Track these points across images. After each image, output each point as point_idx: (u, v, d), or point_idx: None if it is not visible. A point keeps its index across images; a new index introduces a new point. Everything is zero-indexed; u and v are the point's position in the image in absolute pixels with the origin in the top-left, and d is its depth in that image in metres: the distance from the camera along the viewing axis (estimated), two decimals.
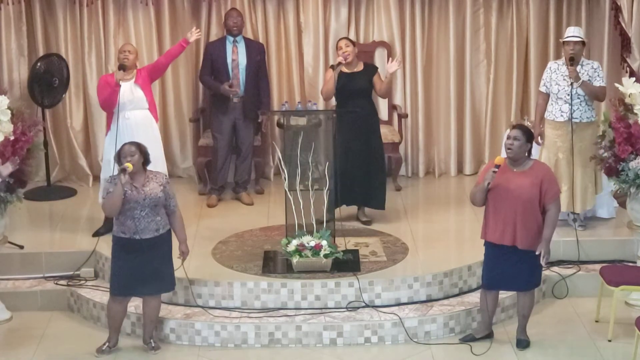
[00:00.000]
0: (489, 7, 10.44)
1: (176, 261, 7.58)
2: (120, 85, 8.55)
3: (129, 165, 7.20)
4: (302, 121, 8.48)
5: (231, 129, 9.77)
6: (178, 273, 7.77)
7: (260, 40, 10.36)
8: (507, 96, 10.58)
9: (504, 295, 7.83)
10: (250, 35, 10.34)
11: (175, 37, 10.39)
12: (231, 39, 9.76)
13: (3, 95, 8.05)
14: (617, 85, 8.41)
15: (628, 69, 9.98)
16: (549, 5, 10.37)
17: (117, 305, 7.50)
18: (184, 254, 7.58)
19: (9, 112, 8.00)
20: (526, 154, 7.36)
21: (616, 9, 10.08)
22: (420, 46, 10.48)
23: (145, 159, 7.37)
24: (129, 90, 8.65)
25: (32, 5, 10.22)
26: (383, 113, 10.57)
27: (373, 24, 10.52)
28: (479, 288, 7.84)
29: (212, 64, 9.72)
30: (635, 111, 8.21)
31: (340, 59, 8.88)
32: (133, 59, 8.75)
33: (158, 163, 7.99)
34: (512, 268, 7.35)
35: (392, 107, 10.53)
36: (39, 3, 10.22)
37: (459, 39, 10.46)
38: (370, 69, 9.07)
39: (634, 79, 8.43)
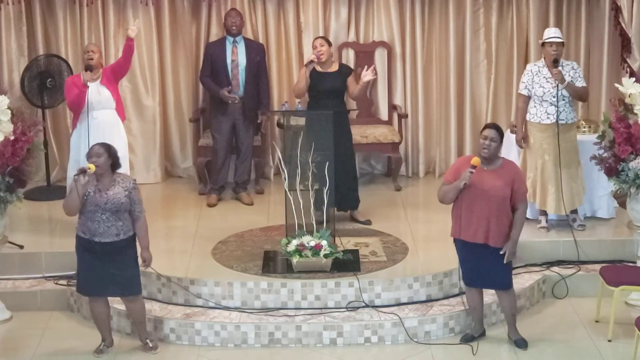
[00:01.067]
0: (489, 7, 10.44)
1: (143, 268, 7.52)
2: (88, 86, 8.61)
3: (90, 167, 7.11)
4: (302, 121, 8.48)
5: (231, 129, 9.76)
6: (178, 272, 7.78)
7: (260, 40, 10.36)
8: (507, 96, 10.58)
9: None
10: (250, 36, 10.33)
11: (175, 37, 10.41)
12: (231, 39, 9.75)
13: (3, 95, 8.05)
14: (617, 85, 8.40)
15: (628, 69, 9.98)
16: (549, 5, 10.37)
17: (94, 305, 7.47)
18: (146, 261, 7.44)
19: (9, 112, 8.00)
20: (498, 153, 7.44)
21: (616, 9, 10.08)
22: (420, 46, 10.48)
23: (115, 162, 7.27)
24: (96, 91, 8.70)
25: (32, 5, 10.23)
26: (383, 113, 10.58)
27: (373, 24, 10.52)
28: None
29: (212, 65, 9.72)
30: (635, 111, 8.20)
31: (313, 57, 8.87)
32: (97, 58, 8.80)
33: (122, 163, 7.98)
34: (486, 266, 7.39)
35: (392, 107, 10.53)
36: (39, 3, 10.22)
37: (459, 39, 10.46)
38: (345, 70, 9.04)
39: (634, 79, 8.42)
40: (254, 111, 9.80)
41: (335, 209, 8.95)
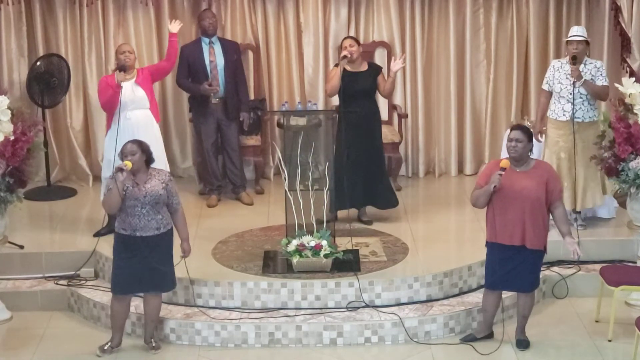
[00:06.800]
0: (489, 7, 10.44)
1: (178, 260, 7.59)
2: (121, 87, 8.55)
3: (127, 164, 7.19)
4: (302, 121, 8.49)
5: (215, 130, 9.73)
6: (179, 273, 7.78)
7: (260, 41, 10.37)
8: (507, 96, 10.58)
9: (504, 295, 7.80)
10: (250, 36, 10.35)
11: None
12: (207, 40, 9.70)
13: (3, 96, 8.05)
14: (617, 85, 8.41)
15: (628, 69, 9.98)
16: (549, 5, 10.38)
17: (118, 303, 7.50)
18: (185, 252, 7.57)
19: (9, 112, 8.00)
20: (529, 154, 7.38)
21: (616, 9, 10.08)
22: (420, 46, 10.48)
23: (148, 157, 7.37)
24: (130, 90, 8.65)
25: (32, 6, 10.22)
26: (383, 113, 10.55)
27: (373, 24, 10.53)
28: (479, 288, 7.86)
29: (190, 67, 9.64)
30: (635, 111, 8.21)
31: (345, 52, 8.86)
32: (134, 59, 8.77)
33: (159, 162, 7.98)
34: (516, 269, 7.35)
35: (392, 107, 10.54)
36: (39, 3, 10.22)
37: (459, 39, 10.46)
38: (375, 69, 9.06)
39: (634, 79, 8.43)
40: (236, 110, 9.77)
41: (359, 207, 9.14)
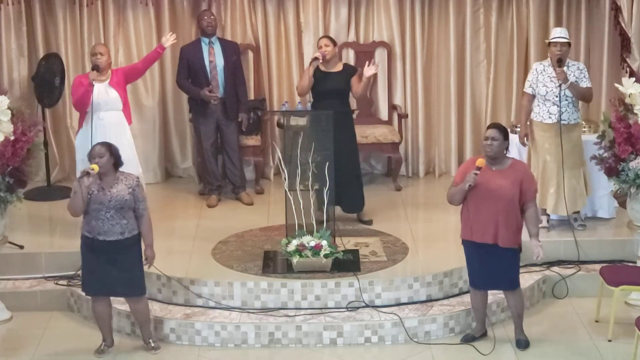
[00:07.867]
0: (489, 7, 10.44)
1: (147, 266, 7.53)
2: (93, 86, 8.58)
3: (93, 167, 7.14)
4: (302, 121, 8.48)
5: (214, 130, 9.74)
6: (178, 273, 7.79)
7: (260, 41, 10.37)
8: (507, 96, 10.58)
9: (504, 295, 7.82)
10: (250, 36, 10.35)
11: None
12: (206, 40, 9.70)
13: (3, 96, 8.05)
14: (617, 85, 8.40)
15: (628, 69, 9.98)
16: (549, 5, 10.38)
17: (96, 304, 7.49)
18: (149, 259, 7.46)
19: (9, 112, 8.00)
20: (504, 152, 7.38)
21: (616, 9, 10.08)
22: (420, 46, 10.48)
23: (117, 160, 7.30)
24: (104, 91, 8.69)
25: (32, 5, 10.23)
26: (383, 113, 10.58)
27: (373, 24, 10.52)
28: None
29: (190, 67, 9.65)
30: (635, 111, 8.21)
31: (317, 54, 8.86)
32: (106, 60, 8.78)
33: (130, 165, 7.97)
34: (494, 267, 7.38)
35: (392, 107, 10.54)
36: (39, 3, 10.22)
37: (459, 39, 10.46)
38: (349, 70, 9.02)
39: (634, 79, 8.43)
40: (236, 111, 9.77)
41: (340, 209, 8.98)
